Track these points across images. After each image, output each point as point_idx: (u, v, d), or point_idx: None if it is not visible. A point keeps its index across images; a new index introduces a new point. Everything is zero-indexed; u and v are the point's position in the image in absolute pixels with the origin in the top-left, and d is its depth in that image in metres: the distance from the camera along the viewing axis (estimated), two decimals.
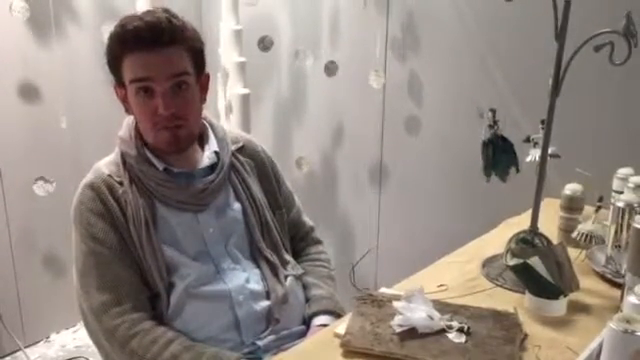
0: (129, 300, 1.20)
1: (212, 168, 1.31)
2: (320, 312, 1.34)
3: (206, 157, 1.31)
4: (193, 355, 1.16)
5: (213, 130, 1.35)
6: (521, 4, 1.25)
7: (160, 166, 1.26)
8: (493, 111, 1.27)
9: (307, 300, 1.38)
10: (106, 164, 1.29)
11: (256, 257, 1.33)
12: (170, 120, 1.21)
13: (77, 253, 1.26)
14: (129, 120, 1.31)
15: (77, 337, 2.48)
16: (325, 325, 1.28)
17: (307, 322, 1.35)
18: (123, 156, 1.28)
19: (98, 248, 1.22)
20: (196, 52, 1.25)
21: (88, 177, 1.27)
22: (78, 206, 1.25)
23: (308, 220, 1.53)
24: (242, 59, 2.28)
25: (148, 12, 1.21)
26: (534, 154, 1.32)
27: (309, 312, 1.35)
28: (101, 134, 2.25)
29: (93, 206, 1.23)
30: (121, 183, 1.25)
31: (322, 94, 2.48)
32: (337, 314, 1.33)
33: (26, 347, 2.38)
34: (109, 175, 1.26)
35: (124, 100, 1.27)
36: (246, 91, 2.30)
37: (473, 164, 1.30)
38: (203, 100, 1.31)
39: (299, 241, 1.49)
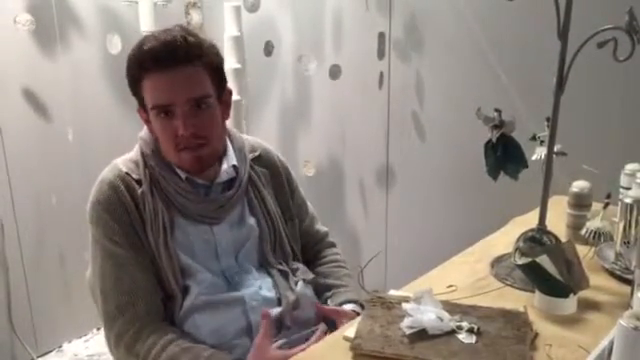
0: (143, 303, 1.21)
1: (230, 182, 1.32)
2: (346, 302, 1.35)
3: (224, 172, 1.31)
4: (190, 357, 1.16)
5: (232, 142, 1.35)
6: (523, 3, 1.25)
7: (183, 175, 1.27)
8: (499, 111, 1.26)
9: (326, 299, 1.38)
10: (124, 161, 1.29)
11: (266, 267, 1.34)
12: (191, 140, 1.22)
13: (94, 254, 1.26)
14: None
15: (89, 346, 2.50)
16: (354, 311, 1.30)
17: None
18: (144, 156, 1.28)
19: (115, 250, 1.22)
20: (215, 69, 1.25)
21: (105, 173, 1.27)
22: (95, 205, 1.25)
23: (321, 227, 1.53)
24: (238, 66, 2.28)
25: (164, 31, 1.21)
26: (540, 152, 1.32)
27: (334, 303, 1.35)
28: (108, 145, 2.27)
29: (110, 206, 1.23)
30: (139, 182, 1.25)
31: (326, 97, 2.49)
32: (362, 305, 1.31)
33: (39, 357, 2.40)
34: (127, 173, 1.26)
35: (147, 121, 1.27)
36: (237, 98, 2.29)
37: (479, 164, 1.30)
38: (227, 116, 1.31)
39: (313, 246, 1.50)
